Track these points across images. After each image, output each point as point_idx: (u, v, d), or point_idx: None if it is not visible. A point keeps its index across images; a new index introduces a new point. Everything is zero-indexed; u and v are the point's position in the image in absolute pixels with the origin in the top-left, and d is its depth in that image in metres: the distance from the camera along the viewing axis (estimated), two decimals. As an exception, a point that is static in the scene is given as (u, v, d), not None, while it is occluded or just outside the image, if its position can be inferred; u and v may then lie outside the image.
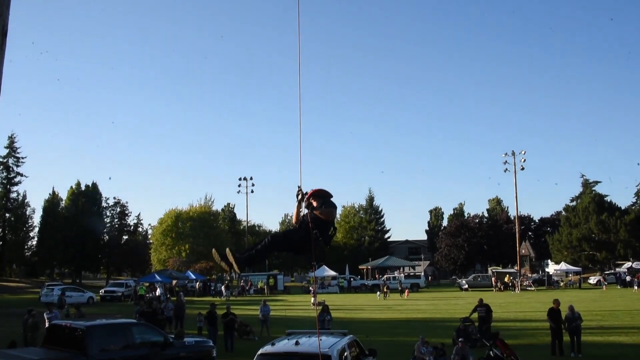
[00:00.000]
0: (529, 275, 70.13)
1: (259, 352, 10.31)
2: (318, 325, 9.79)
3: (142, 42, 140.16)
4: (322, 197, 6.42)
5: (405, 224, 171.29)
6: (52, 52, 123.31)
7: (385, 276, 64.45)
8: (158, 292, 44.83)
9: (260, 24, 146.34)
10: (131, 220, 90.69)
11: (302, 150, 6.94)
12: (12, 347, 14.66)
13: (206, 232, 78.28)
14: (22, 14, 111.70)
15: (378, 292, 51.62)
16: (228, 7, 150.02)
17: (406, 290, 53.24)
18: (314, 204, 6.40)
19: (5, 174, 74.79)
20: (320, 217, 6.17)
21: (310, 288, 45.24)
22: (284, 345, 10.59)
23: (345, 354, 10.52)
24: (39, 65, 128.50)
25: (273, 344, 10.78)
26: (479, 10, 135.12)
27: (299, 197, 6.41)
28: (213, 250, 6.44)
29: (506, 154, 67.06)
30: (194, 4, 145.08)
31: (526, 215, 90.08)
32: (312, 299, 40.91)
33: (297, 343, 10.34)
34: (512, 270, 67.77)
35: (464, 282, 63.80)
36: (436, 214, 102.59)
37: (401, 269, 73.42)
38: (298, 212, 6.44)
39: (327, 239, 6.32)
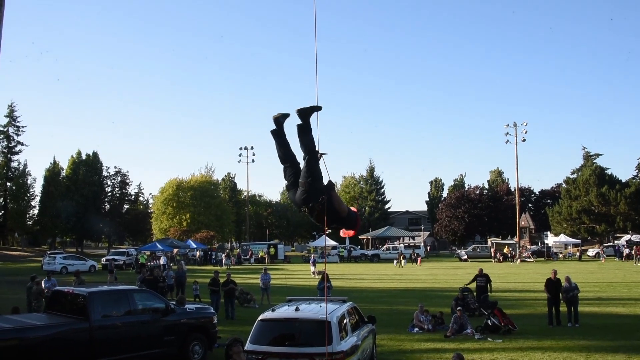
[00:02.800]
0: (528, 246, 70.41)
1: (260, 317, 10.41)
2: (326, 293, 9.87)
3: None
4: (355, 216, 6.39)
5: (406, 195, 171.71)
6: (52, 52, 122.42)
7: (401, 245, 66.80)
8: (162, 260, 45.10)
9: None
10: (132, 190, 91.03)
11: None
12: (15, 312, 14.83)
13: (207, 201, 78.45)
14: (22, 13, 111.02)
15: (395, 261, 54.05)
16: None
17: (419, 259, 55.77)
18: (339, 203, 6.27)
19: (5, 143, 74.61)
20: (334, 205, 6.05)
21: (311, 257, 45.55)
22: (284, 311, 10.68)
23: (345, 320, 10.61)
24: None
25: (273, 310, 10.89)
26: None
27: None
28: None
29: (508, 125, 66.74)
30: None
31: (526, 187, 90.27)
32: (312, 268, 41.23)
33: (297, 309, 10.45)
34: (511, 241, 68.04)
35: (463, 252, 64.14)
36: (436, 185, 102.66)
37: (401, 240, 73.81)
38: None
39: (328, 217, 6.11)
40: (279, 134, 6.27)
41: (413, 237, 79.23)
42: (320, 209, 5.90)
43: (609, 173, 75.08)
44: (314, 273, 39.47)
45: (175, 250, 55.82)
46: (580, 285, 18.97)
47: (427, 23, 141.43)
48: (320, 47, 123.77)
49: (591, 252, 64.97)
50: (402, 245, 67.75)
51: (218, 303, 20.29)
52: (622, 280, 34.81)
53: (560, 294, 18.23)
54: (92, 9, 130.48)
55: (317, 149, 6.07)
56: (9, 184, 75.29)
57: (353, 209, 6.50)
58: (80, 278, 21.56)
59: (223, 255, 56.53)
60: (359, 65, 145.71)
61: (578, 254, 63.49)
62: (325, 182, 6.04)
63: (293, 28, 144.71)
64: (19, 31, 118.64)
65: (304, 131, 6.08)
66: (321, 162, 6.12)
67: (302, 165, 6.04)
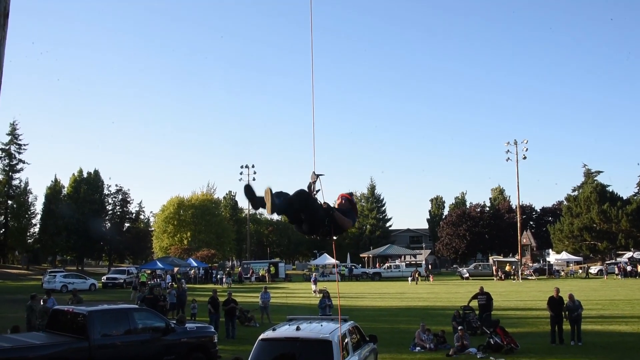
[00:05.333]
0: (530, 264, 70.20)
1: (260, 337, 10.33)
2: (340, 311, 9.80)
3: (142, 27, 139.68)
4: (352, 207, 6.48)
5: (407, 213, 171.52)
6: (52, 52, 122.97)
7: (403, 263, 67.99)
8: (168, 279, 45.00)
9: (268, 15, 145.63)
10: (133, 208, 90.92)
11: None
12: (15, 331, 14.74)
13: (208, 219, 78.37)
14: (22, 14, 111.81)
15: (410, 278, 55.97)
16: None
17: (431, 276, 58.35)
18: (339, 203, 6.48)
19: (7, 161, 74.76)
20: (337, 219, 6.15)
21: (312, 275, 45.40)
22: (285, 330, 10.61)
23: (346, 339, 10.55)
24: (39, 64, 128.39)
25: (274, 330, 10.81)
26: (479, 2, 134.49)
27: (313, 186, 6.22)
28: (266, 189, 5.89)
29: (508, 143, 66.93)
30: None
31: (528, 204, 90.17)
32: (313, 287, 41.05)
33: (298, 328, 10.38)
34: (513, 259, 67.85)
35: (464, 270, 63.93)
36: (437, 202, 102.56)
37: (402, 258, 73.57)
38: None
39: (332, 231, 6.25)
40: (285, 210, 6.07)
41: (414, 255, 79.03)
42: (328, 231, 6.08)
43: (610, 190, 75.02)
44: (315, 292, 39.29)
45: (175, 269, 55.71)
46: (582, 303, 18.86)
47: (426, 40, 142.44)
48: (320, 64, 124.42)
49: (593, 269, 64.78)
50: (403, 263, 67.66)
51: (217, 322, 20.18)
52: (624, 297, 34.65)
53: (563, 312, 18.13)
54: (92, 17, 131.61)
55: (315, 189, 6.16)
56: (10, 202, 75.29)
57: (345, 195, 6.55)
58: (77, 297, 21.43)
59: (223, 273, 56.35)
60: (358, 81, 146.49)
61: (581, 271, 63.30)
62: (321, 205, 6.17)
63: (292, 42, 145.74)
64: (18, 33, 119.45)
65: (284, 209, 5.99)
66: (317, 183, 6.22)
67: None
